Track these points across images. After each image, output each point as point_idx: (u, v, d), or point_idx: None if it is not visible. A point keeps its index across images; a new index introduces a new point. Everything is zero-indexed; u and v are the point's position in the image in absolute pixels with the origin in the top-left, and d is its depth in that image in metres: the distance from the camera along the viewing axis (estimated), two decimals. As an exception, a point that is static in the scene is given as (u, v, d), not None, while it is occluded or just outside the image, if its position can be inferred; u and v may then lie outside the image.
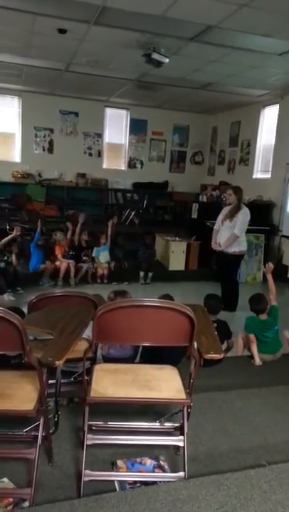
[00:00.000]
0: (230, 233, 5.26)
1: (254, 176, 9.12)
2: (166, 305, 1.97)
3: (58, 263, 6.62)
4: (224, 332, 3.64)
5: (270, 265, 4.10)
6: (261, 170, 8.99)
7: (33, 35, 5.61)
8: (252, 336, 3.65)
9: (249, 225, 7.99)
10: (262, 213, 8.11)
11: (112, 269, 6.90)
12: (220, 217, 5.54)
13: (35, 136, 9.98)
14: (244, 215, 5.26)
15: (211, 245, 5.64)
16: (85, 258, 6.83)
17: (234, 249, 5.32)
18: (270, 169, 8.51)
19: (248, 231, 7.71)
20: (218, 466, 2.17)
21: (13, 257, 6.18)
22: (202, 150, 11.25)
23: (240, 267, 7.60)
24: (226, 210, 5.49)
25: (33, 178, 9.92)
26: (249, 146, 9.28)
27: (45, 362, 1.74)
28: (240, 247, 5.36)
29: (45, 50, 6.29)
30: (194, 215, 8.64)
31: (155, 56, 5.59)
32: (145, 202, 10.43)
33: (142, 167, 10.93)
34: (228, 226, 5.30)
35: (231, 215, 5.29)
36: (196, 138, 11.12)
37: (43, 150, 10.10)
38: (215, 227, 5.56)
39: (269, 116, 8.77)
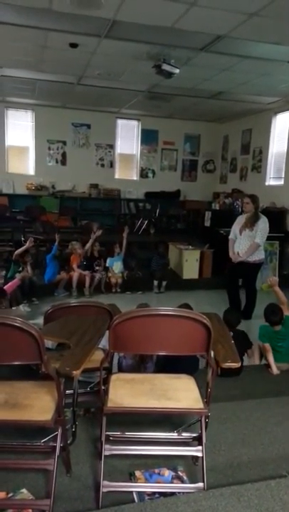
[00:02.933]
0: (250, 242, 5.17)
1: (267, 183, 9.08)
2: (182, 314, 1.97)
3: (72, 273, 6.65)
4: (244, 342, 3.61)
5: (274, 278, 4.13)
6: (274, 177, 8.95)
7: (45, 50, 5.73)
8: (267, 345, 3.61)
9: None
10: (275, 220, 8.03)
11: (126, 279, 6.90)
12: (235, 226, 5.42)
13: (49, 148, 10.13)
14: (264, 224, 5.20)
15: (228, 254, 5.45)
16: (97, 268, 6.85)
17: (255, 258, 5.26)
18: (283, 176, 8.46)
19: (262, 238, 7.76)
20: (237, 477, 2.14)
21: (29, 268, 6.23)
22: (214, 158, 11.27)
23: (255, 274, 7.60)
24: (241, 218, 5.40)
25: (47, 189, 10.05)
26: (261, 154, 9.26)
27: (63, 372, 1.75)
28: (260, 255, 5.32)
29: (58, 64, 6.42)
30: (207, 223, 8.63)
31: (165, 67, 5.65)
32: (158, 211, 10.46)
33: (153, 176, 10.98)
34: (248, 235, 5.20)
35: (251, 224, 5.19)
36: (207, 146, 11.14)
37: (56, 162, 10.24)
38: (231, 237, 5.44)
39: (281, 123, 8.74)
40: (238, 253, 5.31)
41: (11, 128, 9.91)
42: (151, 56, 5.62)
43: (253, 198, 5.33)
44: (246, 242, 5.21)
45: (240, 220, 5.40)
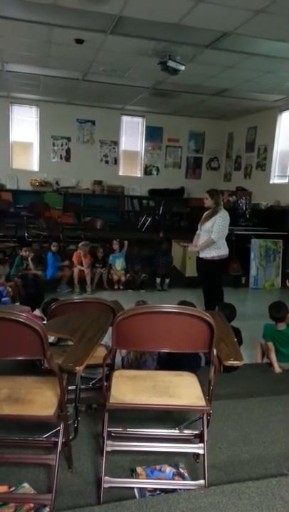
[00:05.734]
0: (207, 237, 5.00)
1: (271, 181, 9.06)
2: (185, 311, 1.96)
3: (73, 269, 6.66)
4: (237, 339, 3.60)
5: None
6: (278, 175, 8.92)
7: (50, 46, 5.72)
8: (270, 344, 3.61)
9: (267, 231, 7.95)
10: (280, 219, 8.03)
11: (129, 279, 6.90)
12: (201, 220, 5.30)
13: (53, 144, 10.14)
14: (222, 219, 4.98)
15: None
16: (97, 265, 6.85)
17: (212, 253, 5.01)
18: (288, 174, 8.44)
19: (266, 236, 7.73)
20: (238, 475, 2.14)
21: (30, 264, 6.26)
22: (218, 156, 11.25)
23: (258, 272, 7.59)
24: (205, 214, 5.24)
25: (51, 186, 10.07)
26: (266, 152, 9.23)
27: (66, 368, 1.75)
28: (219, 251, 5.03)
29: (63, 60, 6.41)
30: (211, 221, 8.60)
31: (171, 64, 5.63)
32: (161, 208, 10.45)
33: (157, 174, 10.97)
34: (205, 230, 5.04)
35: (208, 218, 5.05)
36: (212, 144, 11.12)
37: (61, 158, 10.25)
38: (197, 232, 5.31)
39: (286, 121, 8.72)
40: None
41: (15, 124, 9.91)
42: (157, 53, 5.61)
43: (211, 193, 5.13)
44: (203, 237, 5.07)
45: (205, 215, 5.24)
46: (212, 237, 4.93)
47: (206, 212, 5.21)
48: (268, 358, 3.65)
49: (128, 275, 6.93)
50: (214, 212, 5.03)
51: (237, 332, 3.64)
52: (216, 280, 5.27)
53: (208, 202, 5.10)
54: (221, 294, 5.25)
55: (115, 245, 7.04)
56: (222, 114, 10.09)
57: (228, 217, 5.08)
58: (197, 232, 5.28)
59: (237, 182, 10.23)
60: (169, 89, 7.74)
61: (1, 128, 9.69)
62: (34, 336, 1.76)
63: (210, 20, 4.52)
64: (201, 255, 5.09)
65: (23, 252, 6.40)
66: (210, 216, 5.03)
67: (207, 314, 1.95)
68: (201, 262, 5.18)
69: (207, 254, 5.04)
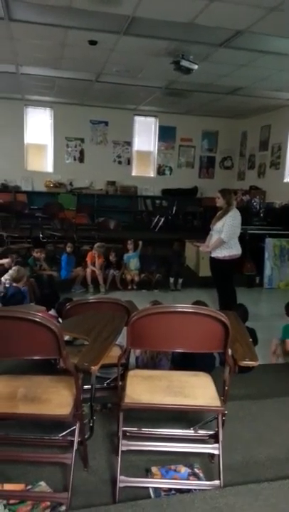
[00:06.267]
0: (217, 237, 4.98)
1: (285, 180, 8.97)
2: (200, 311, 1.96)
3: (87, 269, 6.70)
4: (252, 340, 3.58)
5: None
6: (293, 174, 8.84)
7: (64, 47, 5.77)
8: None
9: (281, 230, 7.87)
10: (294, 218, 7.96)
11: (143, 279, 6.91)
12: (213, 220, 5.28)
13: (67, 146, 10.21)
14: (233, 219, 4.94)
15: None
16: (111, 268, 6.88)
17: (224, 253, 4.98)
18: (303, 173, 8.35)
19: (280, 236, 7.66)
20: (254, 476, 2.13)
21: (44, 264, 6.33)
22: (231, 155, 11.18)
23: (272, 272, 7.52)
24: (218, 214, 5.21)
25: (65, 187, 10.14)
26: (280, 150, 9.15)
27: (82, 367, 1.77)
28: (230, 250, 5.00)
29: (77, 61, 6.45)
30: (224, 221, 8.55)
31: (184, 63, 5.62)
32: (174, 208, 10.44)
33: (170, 173, 10.96)
34: (216, 230, 5.02)
35: (219, 218, 5.02)
36: (225, 143, 11.06)
37: (74, 159, 10.32)
38: (211, 232, 5.27)
39: (300, 119, 8.62)
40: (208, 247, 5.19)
41: (30, 126, 10.01)
42: (170, 52, 5.61)
43: (223, 193, 5.08)
44: (214, 237, 5.05)
45: (217, 215, 5.21)
46: (222, 237, 4.90)
47: (218, 213, 5.20)
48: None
49: (143, 275, 6.94)
50: (225, 212, 4.99)
51: (252, 332, 3.62)
52: (228, 280, 5.23)
53: (220, 202, 5.06)
54: (234, 293, 5.22)
55: (130, 245, 7.06)
56: (235, 113, 10.03)
57: (240, 217, 5.05)
58: (211, 233, 5.27)
59: (251, 181, 10.16)
60: (182, 88, 7.72)
61: (16, 130, 9.80)
62: (50, 336, 1.78)
63: (223, 18, 4.51)
64: (213, 255, 5.08)
65: (35, 253, 6.46)
66: (221, 216, 5.00)
67: (222, 314, 1.94)
68: (213, 262, 5.16)
69: (219, 253, 5.02)
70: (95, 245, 6.90)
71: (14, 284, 5.06)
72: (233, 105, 9.03)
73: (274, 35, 4.92)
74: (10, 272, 5.32)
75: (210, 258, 5.21)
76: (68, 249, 6.81)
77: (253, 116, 10.08)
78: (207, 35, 5.03)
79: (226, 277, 5.20)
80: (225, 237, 4.89)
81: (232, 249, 5.02)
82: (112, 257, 6.92)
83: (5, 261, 5.74)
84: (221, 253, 5.01)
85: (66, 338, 2.67)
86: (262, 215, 8.71)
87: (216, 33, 4.96)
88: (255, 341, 3.60)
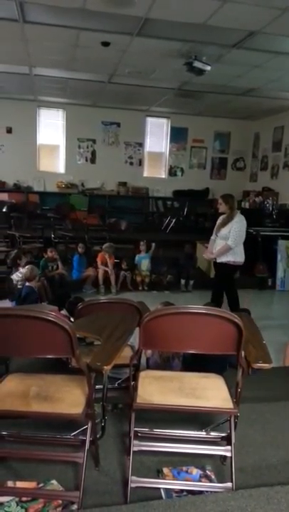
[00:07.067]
0: (224, 243, 4.92)
1: (299, 182, 8.90)
2: (213, 312, 1.95)
3: (98, 270, 6.73)
4: None
5: None
6: (306, 175, 8.75)
7: (77, 49, 5.80)
8: None
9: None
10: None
11: (154, 281, 6.92)
12: (216, 226, 5.23)
13: (79, 147, 10.26)
14: (239, 224, 4.88)
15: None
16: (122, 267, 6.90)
17: (228, 258, 4.93)
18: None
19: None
20: (266, 479, 2.11)
21: (59, 263, 6.36)
22: (244, 156, 11.12)
23: (285, 274, 7.46)
24: (220, 219, 5.18)
25: (76, 187, 10.19)
26: (293, 151, 9.07)
27: (94, 367, 1.77)
28: (235, 257, 4.93)
29: (89, 63, 6.48)
30: (236, 222, 8.52)
31: (197, 64, 5.61)
32: (186, 209, 10.42)
33: (182, 175, 10.94)
34: (222, 236, 4.96)
35: (224, 224, 4.98)
36: (237, 144, 11.01)
37: (86, 160, 10.36)
38: (212, 237, 5.25)
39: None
40: (211, 253, 5.15)
41: (42, 127, 10.09)
42: (183, 53, 5.60)
43: (226, 198, 5.03)
44: (220, 242, 4.99)
45: (219, 220, 5.18)
46: (229, 243, 4.84)
47: (220, 218, 5.14)
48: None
49: (154, 276, 6.94)
50: (230, 218, 4.94)
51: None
52: (228, 284, 5.14)
53: (223, 207, 5.02)
54: (236, 299, 5.13)
55: (142, 246, 7.07)
56: (248, 114, 9.98)
57: (245, 222, 4.98)
58: (212, 238, 5.22)
59: (263, 182, 10.09)
60: (195, 89, 7.71)
61: (29, 131, 9.88)
62: (63, 335, 1.79)
63: (236, 19, 4.49)
64: (218, 260, 5.04)
65: (49, 253, 6.50)
66: (226, 222, 4.95)
67: (235, 315, 1.93)
68: (217, 267, 5.13)
69: (223, 258, 4.97)
70: (103, 246, 6.92)
71: (27, 284, 5.09)
72: (246, 106, 8.99)
73: (287, 35, 4.89)
74: (22, 270, 5.36)
75: (213, 263, 5.21)
76: (80, 250, 6.84)
77: (266, 117, 10.02)
78: (220, 36, 5.02)
79: (225, 281, 5.13)
80: (232, 243, 4.82)
81: (236, 256, 4.94)
82: (124, 266, 6.92)
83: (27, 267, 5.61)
84: (225, 258, 4.95)
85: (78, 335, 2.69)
86: (275, 216, 8.64)
87: (229, 34, 4.94)
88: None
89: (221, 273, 5.13)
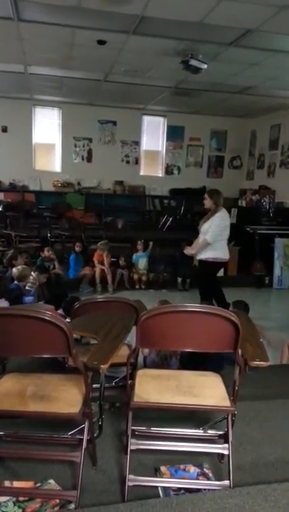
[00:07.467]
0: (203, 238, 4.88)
1: (295, 180, 8.91)
2: (210, 311, 1.95)
3: (95, 269, 6.72)
4: None
5: None
6: (303, 173, 8.77)
7: (73, 47, 5.78)
8: None
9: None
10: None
11: (151, 280, 6.92)
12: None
13: (75, 146, 10.24)
14: (219, 220, 4.79)
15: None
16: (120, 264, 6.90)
17: (207, 255, 4.85)
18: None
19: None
20: (264, 476, 2.11)
21: (56, 263, 6.34)
22: (240, 154, 11.13)
23: (282, 272, 7.47)
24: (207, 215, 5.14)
25: (73, 186, 10.17)
26: (290, 149, 9.09)
27: (91, 366, 1.77)
28: (215, 253, 4.82)
29: (85, 61, 6.46)
30: (233, 220, 8.52)
31: (193, 62, 5.60)
32: (182, 208, 10.42)
33: (179, 173, 10.94)
34: (203, 231, 4.91)
35: (207, 219, 4.92)
36: (234, 142, 11.01)
37: (82, 159, 10.34)
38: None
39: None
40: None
41: (38, 125, 10.06)
42: (179, 52, 5.59)
43: (211, 194, 4.98)
44: (201, 237, 4.94)
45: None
46: (206, 238, 4.77)
47: (208, 214, 5.08)
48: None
49: (152, 275, 6.94)
50: (213, 213, 4.87)
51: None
52: (209, 282, 5.04)
53: (208, 203, 4.95)
54: (220, 295, 5.08)
55: (139, 245, 7.07)
56: (245, 112, 9.98)
57: (228, 218, 4.90)
58: (199, 235, 5.16)
59: (260, 180, 10.11)
60: (191, 88, 7.70)
61: (24, 130, 9.85)
62: (60, 334, 1.79)
63: (233, 17, 4.48)
64: (198, 257, 4.98)
65: (46, 252, 6.49)
66: (209, 217, 4.88)
67: (232, 314, 1.93)
68: (199, 263, 5.07)
69: (202, 255, 4.90)
70: (98, 244, 6.92)
71: (16, 282, 5.07)
72: (242, 104, 8.99)
73: (284, 33, 4.88)
74: (13, 270, 5.34)
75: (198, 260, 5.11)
76: (77, 249, 6.83)
77: (263, 116, 10.02)
78: (216, 35, 5.01)
79: (207, 279, 5.04)
80: (210, 238, 4.74)
81: (216, 252, 4.83)
82: (121, 262, 6.92)
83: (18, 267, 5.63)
84: (204, 254, 4.87)
85: (74, 336, 2.68)
86: (271, 214, 8.65)
87: (225, 32, 4.93)
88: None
89: (202, 271, 5.06)
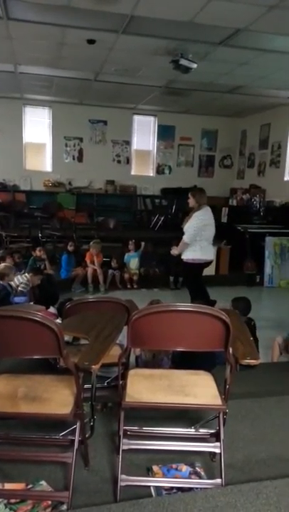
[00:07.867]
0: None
1: (286, 179, 8.96)
2: (201, 310, 1.96)
3: (87, 269, 6.70)
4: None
5: None
6: (293, 172, 8.83)
7: (62, 47, 5.75)
8: None
9: (282, 228, 7.88)
10: (294, 216, 7.96)
11: (142, 275, 6.92)
12: None
13: (66, 145, 10.20)
14: (196, 220, 4.66)
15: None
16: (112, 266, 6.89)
17: (187, 255, 4.76)
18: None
19: (281, 234, 7.66)
20: (256, 474, 2.13)
21: (47, 263, 6.31)
22: (231, 154, 11.17)
23: (273, 270, 7.52)
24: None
25: (64, 186, 10.13)
26: (280, 148, 9.14)
27: (82, 366, 1.76)
28: (194, 254, 4.70)
29: (75, 60, 6.44)
30: (224, 220, 8.58)
31: (183, 62, 5.61)
32: (174, 207, 10.43)
33: (170, 172, 10.95)
34: (184, 231, 4.83)
35: (188, 219, 4.85)
36: (224, 142, 11.05)
37: (73, 159, 10.30)
38: None
39: (300, 118, 8.61)
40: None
41: (28, 125, 10.00)
42: (169, 51, 5.59)
43: (193, 193, 4.89)
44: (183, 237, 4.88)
45: None
46: (183, 237, 4.70)
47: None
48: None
49: (143, 269, 6.94)
50: (193, 213, 4.80)
51: (249, 323, 3.56)
52: (194, 282, 4.97)
53: (191, 202, 4.87)
54: (204, 293, 4.99)
55: (131, 245, 7.07)
56: (235, 112, 10.02)
57: (209, 217, 4.79)
58: None
59: (250, 180, 10.16)
60: (182, 87, 7.71)
61: (15, 129, 9.78)
62: (51, 335, 1.78)
63: (222, 17, 4.49)
64: (182, 256, 4.91)
65: (38, 252, 6.45)
66: (190, 216, 4.81)
67: (223, 313, 1.94)
68: (181, 263, 5.01)
69: (183, 255, 4.84)
70: (91, 243, 6.91)
71: (1, 282, 5.00)
72: (233, 104, 9.02)
73: (273, 33, 4.91)
74: None
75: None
76: (70, 248, 6.81)
77: (253, 115, 10.07)
78: (206, 34, 5.02)
79: (192, 279, 4.96)
80: (186, 238, 4.66)
81: (195, 253, 4.72)
82: (113, 264, 6.90)
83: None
84: (185, 255, 4.80)
85: (66, 338, 2.67)
86: (262, 213, 8.71)
87: (215, 32, 4.94)
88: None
89: (185, 271, 5.00)
